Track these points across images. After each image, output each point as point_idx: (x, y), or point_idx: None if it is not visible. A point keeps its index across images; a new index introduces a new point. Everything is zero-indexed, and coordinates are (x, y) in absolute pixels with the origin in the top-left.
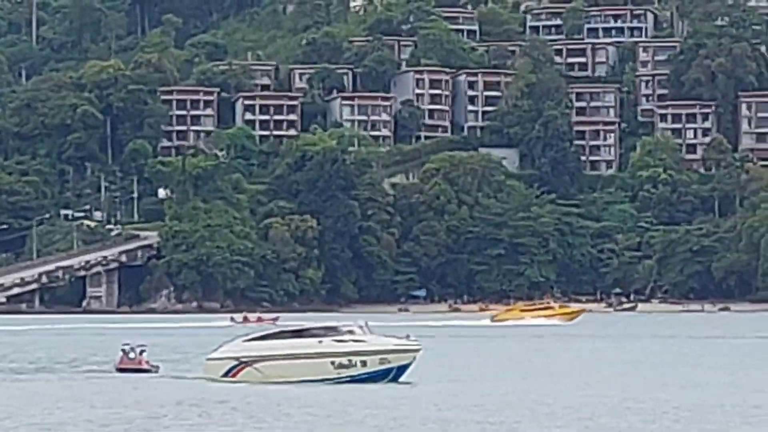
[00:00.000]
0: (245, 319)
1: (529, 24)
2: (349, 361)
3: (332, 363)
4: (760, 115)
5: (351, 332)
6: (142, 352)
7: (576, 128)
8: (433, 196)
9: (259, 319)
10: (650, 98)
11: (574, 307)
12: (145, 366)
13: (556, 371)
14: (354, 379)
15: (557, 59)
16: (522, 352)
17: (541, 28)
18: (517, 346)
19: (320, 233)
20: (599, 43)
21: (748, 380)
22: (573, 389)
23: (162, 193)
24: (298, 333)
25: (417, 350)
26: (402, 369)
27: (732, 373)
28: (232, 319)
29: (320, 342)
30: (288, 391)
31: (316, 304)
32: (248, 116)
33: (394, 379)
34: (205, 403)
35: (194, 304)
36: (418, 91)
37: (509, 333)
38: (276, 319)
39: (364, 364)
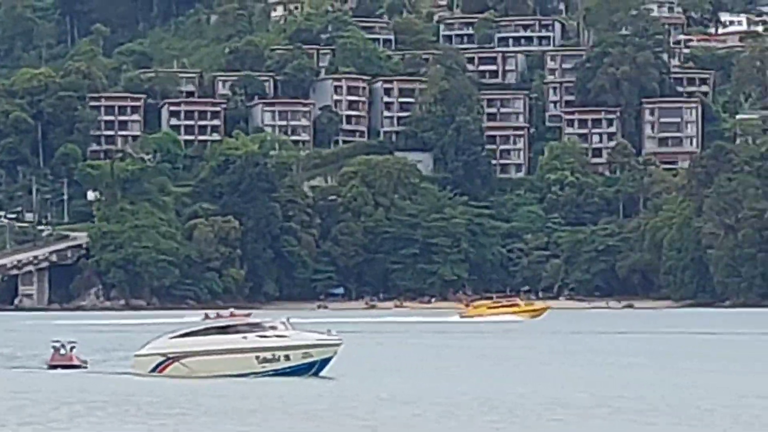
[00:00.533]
0: (218, 316)
1: (442, 33)
2: (273, 355)
3: (257, 358)
4: (662, 120)
5: (274, 328)
6: (72, 348)
7: (487, 133)
8: (351, 198)
9: (232, 315)
10: (558, 104)
11: (539, 304)
12: (75, 362)
13: (473, 367)
14: (278, 373)
15: (469, 67)
16: (454, 349)
17: (453, 38)
18: (455, 343)
19: (242, 234)
20: (509, 52)
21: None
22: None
23: (91, 195)
24: (224, 329)
25: (338, 344)
26: (324, 362)
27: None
28: (206, 316)
29: (245, 338)
30: (212, 385)
31: (239, 301)
32: (173, 121)
33: (317, 373)
34: (129, 398)
35: (122, 301)
36: (336, 97)
37: (454, 329)
38: (249, 315)
39: (287, 358)
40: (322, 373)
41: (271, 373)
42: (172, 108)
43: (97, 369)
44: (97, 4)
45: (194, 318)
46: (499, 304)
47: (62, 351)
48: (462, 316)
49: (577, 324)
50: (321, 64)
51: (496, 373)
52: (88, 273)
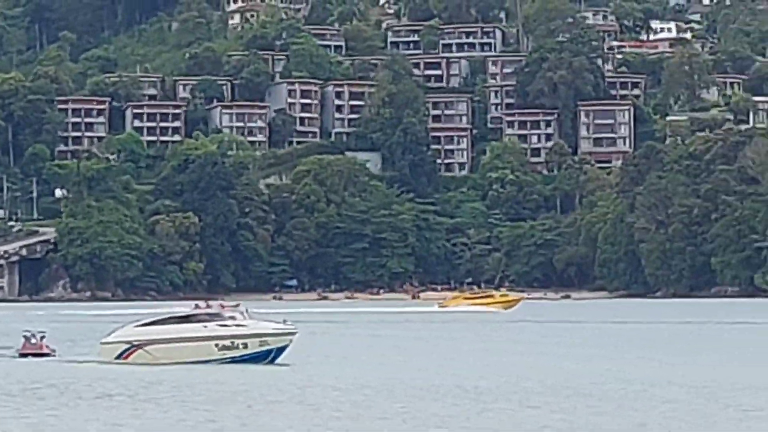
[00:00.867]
0: (208, 305)
1: (389, 40)
2: (232, 343)
3: (216, 345)
4: (597, 122)
5: (233, 318)
6: (42, 338)
7: (432, 134)
8: (304, 196)
9: (221, 306)
10: (499, 107)
11: (513, 296)
12: (45, 350)
13: (426, 356)
14: (236, 360)
15: (415, 72)
16: (412, 338)
17: (400, 44)
18: (407, 334)
19: (202, 229)
20: (453, 57)
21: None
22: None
23: (59, 192)
24: (185, 318)
25: (293, 334)
26: (280, 350)
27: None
28: (196, 306)
29: (205, 326)
30: (174, 371)
31: (199, 293)
32: (137, 123)
33: (273, 360)
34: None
35: (88, 293)
36: (290, 100)
37: (421, 319)
38: (237, 305)
39: (245, 346)
40: (277, 361)
41: (229, 360)
42: (136, 110)
43: (66, 357)
44: (64, 13)
45: (184, 308)
46: (476, 296)
47: (33, 340)
48: (440, 306)
49: (551, 314)
50: (276, 69)
51: (440, 362)
52: (56, 266)
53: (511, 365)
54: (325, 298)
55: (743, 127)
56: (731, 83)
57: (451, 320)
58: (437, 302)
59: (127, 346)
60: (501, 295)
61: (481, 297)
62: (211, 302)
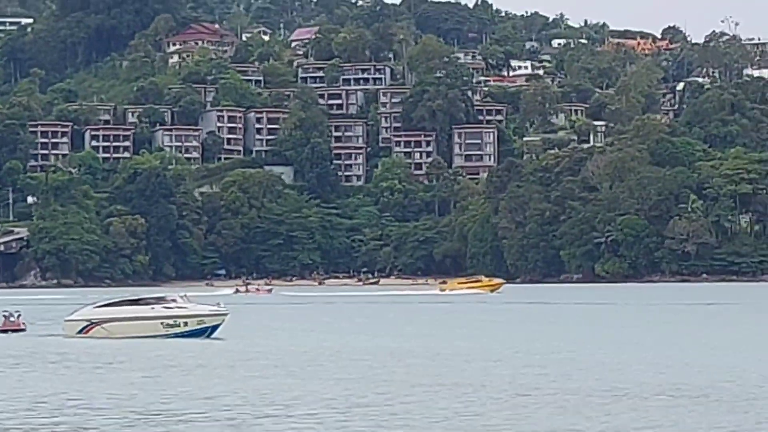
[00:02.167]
0: (247, 289)
1: (299, 75)
2: (175, 321)
3: (162, 323)
4: (467, 141)
5: (175, 301)
6: (19, 316)
7: (334, 151)
8: (231, 201)
9: (257, 289)
10: (388, 129)
11: (497, 280)
12: (22, 327)
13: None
14: (178, 335)
15: (320, 101)
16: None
17: (308, 79)
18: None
19: (147, 229)
20: (351, 89)
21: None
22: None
23: (30, 199)
24: (135, 301)
25: (225, 314)
26: (215, 328)
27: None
28: (237, 290)
29: (152, 308)
30: (125, 344)
31: (145, 281)
32: (94, 143)
33: (209, 335)
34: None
35: (54, 281)
36: (218, 124)
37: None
38: (270, 290)
39: (186, 324)
40: (213, 336)
41: (172, 335)
42: (93, 132)
43: (35, 332)
44: (35, 53)
45: (227, 291)
46: (467, 281)
47: (11, 318)
48: (441, 290)
49: (531, 296)
50: (207, 99)
51: (364, 331)
52: (28, 259)
53: (400, 333)
54: (248, 284)
55: (585, 145)
56: (575, 110)
57: (423, 302)
58: (438, 287)
59: (87, 323)
60: (488, 280)
61: (473, 282)
62: (250, 286)
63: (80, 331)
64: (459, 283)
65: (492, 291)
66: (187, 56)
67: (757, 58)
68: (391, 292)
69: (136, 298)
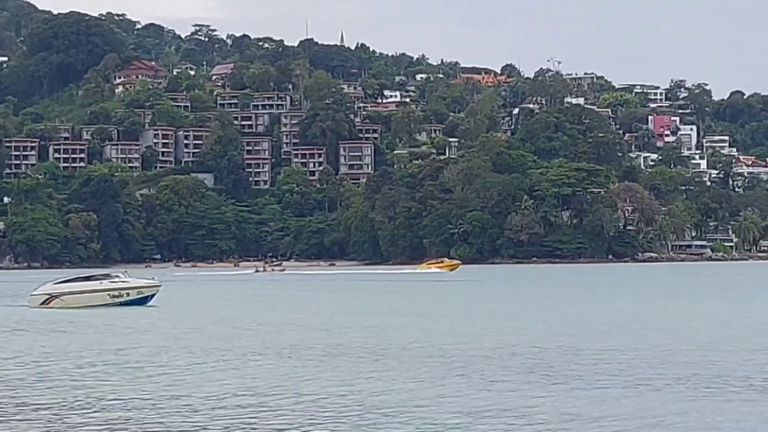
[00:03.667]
0: (264, 268)
1: (219, 102)
2: (119, 293)
3: (109, 294)
4: (350, 154)
5: (118, 277)
6: None
7: (246, 162)
8: (165, 201)
9: (273, 269)
10: (288, 144)
11: (456, 261)
12: None
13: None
14: (123, 304)
15: (235, 122)
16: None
17: (225, 104)
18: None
19: (98, 223)
20: (259, 113)
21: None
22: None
23: (6, 199)
24: (87, 278)
25: (159, 286)
26: (151, 297)
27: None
28: (256, 270)
29: (101, 283)
30: (79, 313)
31: (96, 264)
32: (56, 155)
33: (145, 303)
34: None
35: (25, 264)
36: (155, 140)
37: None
38: (282, 269)
39: (128, 294)
40: (149, 304)
41: (118, 304)
42: (55, 147)
43: (5, 303)
44: (9, 84)
45: (249, 270)
46: (434, 262)
47: None
48: (417, 269)
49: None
50: (146, 120)
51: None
52: (4, 247)
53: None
54: (178, 266)
55: (442, 157)
56: (435, 130)
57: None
58: (414, 267)
59: (48, 296)
60: (449, 262)
61: (437, 263)
62: (266, 266)
63: (42, 303)
64: (428, 264)
65: (451, 270)
66: (130, 87)
67: (575, 89)
68: (373, 272)
69: (87, 275)
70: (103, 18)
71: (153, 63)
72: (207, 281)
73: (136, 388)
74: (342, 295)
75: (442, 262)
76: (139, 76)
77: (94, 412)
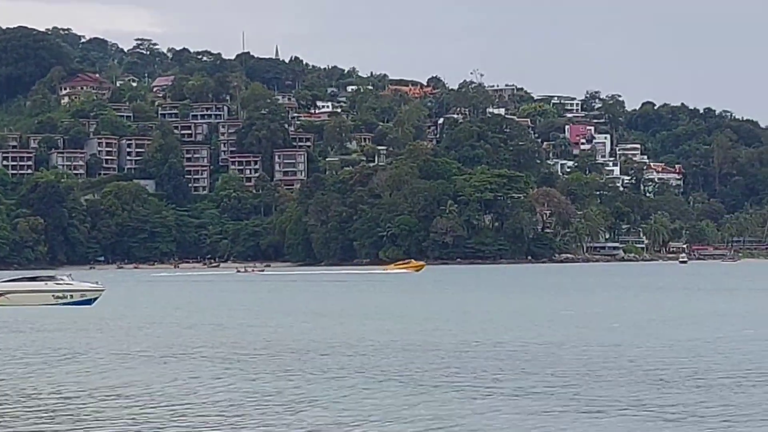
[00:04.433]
0: (245, 270)
1: (160, 112)
2: (63, 294)
3: (53, 295)
4: (285, 161)
5: (63, 279)
6: None
7: (186, 168)
8: (109, 206)
9: (254, 270)
10: (226, 152)
11: (421, 263)
12: None
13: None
14: (66, 304)
15: (176, 131)
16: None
17: (166, 114)
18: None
19: (46, 226)
20: (198, 123)
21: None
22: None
23: None
24: (33, 279)
25: (102, 290)
26: (94, 299)
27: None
28: (237, 270)
29: (46, 284)
30: (22, 311)
31: (43, 265)
32: (5, 162)
33: (89, 304)
34: None
35: None
36: (99, 148)
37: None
38: (263, 270)
39: (72, 296)
40: (92, 306)
41: (62, 304)
42: (4, 154)
43: None
44: None
45: (230, 271)
46: (402, 263)
47: None
48: (384, 270)
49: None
50: (90, 129)
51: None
52: None
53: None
54: (121, 267)
55: (371, 164)
56: (364, 138)
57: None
58: (382, 268)
59: None
60: (415, 263)
61: (404, 264)
62: (248, 266)
63: None
64: (396, 265)
65: (417, 270)
66: (75, 98)
67: (497, 100)
68: (345, 272)
69: (33, 276)
70: (49, 32)
71: (97, 75)
72: (179, 282)
73: None
74: (287, 295)
75: (409, 263)
76: (84, 88)
77: None
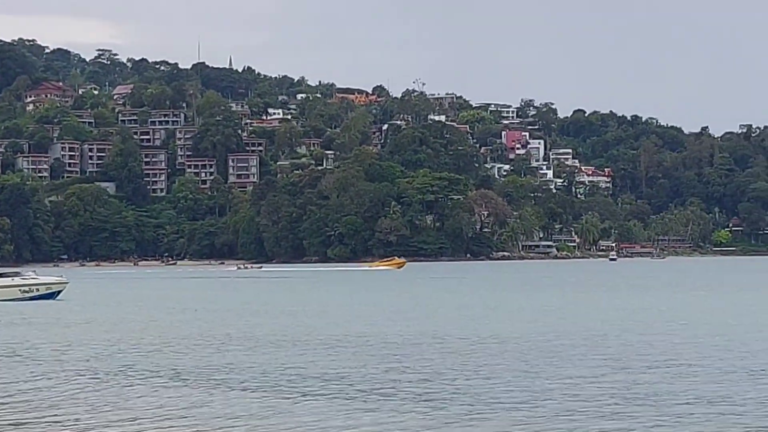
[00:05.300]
0: (243, 267)
1: (120, 118)
2: (29, 289)
3: (20, 290)
4: (239, 165)
5: (28, 275)
6: None
7: (145, 171)
8: (71, 207)
9: (251, 267)
10: (183, 156)
11: (402, 260)
12: None
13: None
14: (33, 298)
15: (135, 137)
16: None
17: (126, 120)
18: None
19: (11, 226)
20: (156, 129)
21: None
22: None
23: None
24: (2, 275)
25: (66, 283)
26: (58, 293)
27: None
28: (237, 267)
29: (13, 279)
30: None
31: (9, 263)
32: None
33: (54, 297)
34: None
35: None
36: (62, 153)
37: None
38: (260, 267)
39: (38, 290)
40: (57, 298)
41: (28, 298)
42: None
43: None
44: None
45: (232, 268)
46: (385, 260)
47: None
48: (370, 267)
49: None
50: (54, 135)
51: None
52: None
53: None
54: (83, 265)
55: (320, 168)
56: (313, 143)
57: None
58: (366, 264)
59: None
60: (397, 260)
61: (388, 261)
62: (245, 264)
63: None
64: (380, 262)
65: (398, 268)
66: (40, 105)
67: (437, 107)
68: (332, 269)
69: (0, 272)
70: (15, 43)
71: (61, 84)
72: (172, 278)
73: None
74: (258, 291)
75: (392, 260)
76: (48, 96)
77: None
